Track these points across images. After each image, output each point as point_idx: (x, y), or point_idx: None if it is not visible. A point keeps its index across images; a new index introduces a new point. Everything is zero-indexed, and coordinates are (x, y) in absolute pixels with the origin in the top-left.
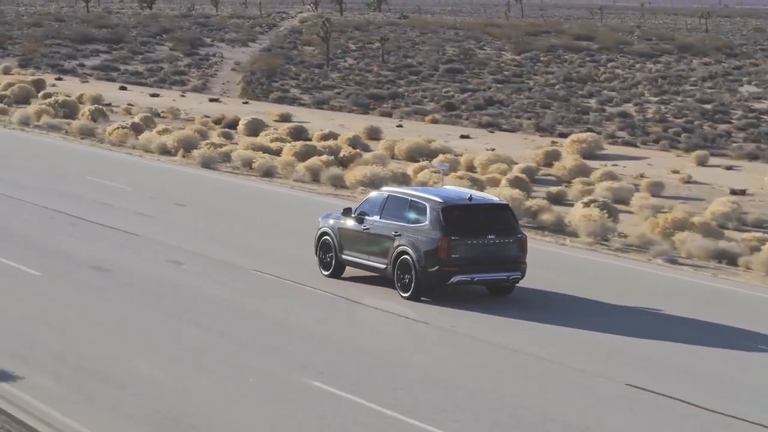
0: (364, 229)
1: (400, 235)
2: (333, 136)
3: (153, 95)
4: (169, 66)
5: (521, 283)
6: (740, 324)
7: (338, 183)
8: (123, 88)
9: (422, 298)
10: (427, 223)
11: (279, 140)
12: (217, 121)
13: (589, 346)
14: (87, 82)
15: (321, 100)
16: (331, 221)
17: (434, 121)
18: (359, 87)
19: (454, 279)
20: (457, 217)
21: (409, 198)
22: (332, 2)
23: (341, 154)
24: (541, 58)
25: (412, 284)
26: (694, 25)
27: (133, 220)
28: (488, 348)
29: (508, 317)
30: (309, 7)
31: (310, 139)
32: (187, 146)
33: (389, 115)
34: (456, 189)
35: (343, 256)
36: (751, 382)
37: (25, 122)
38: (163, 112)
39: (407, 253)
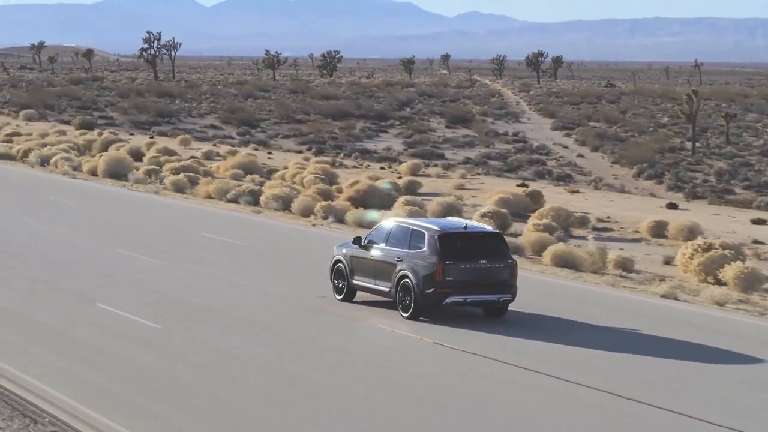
0: (371, 257)
1: (402, 260)
2: None
3: (757, 221)
4: (497, 151)
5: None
6: None
7: None
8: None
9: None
10: (425, 249)
11: None
12: None
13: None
14: (579, 191)
15: None
16: (344, 250)
17: None
18: None
19: (449, 300)
20: (453, 243)
21: (411, 227)
22: (529, 68)
23: None
24: None
25: (412, 305)
26: None
27: None
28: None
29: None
30: (494, 78)
31: None
32: None
33: None
34: (455, 219)
35: (354, 282)
36: None
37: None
38: None
39: (407, 277)
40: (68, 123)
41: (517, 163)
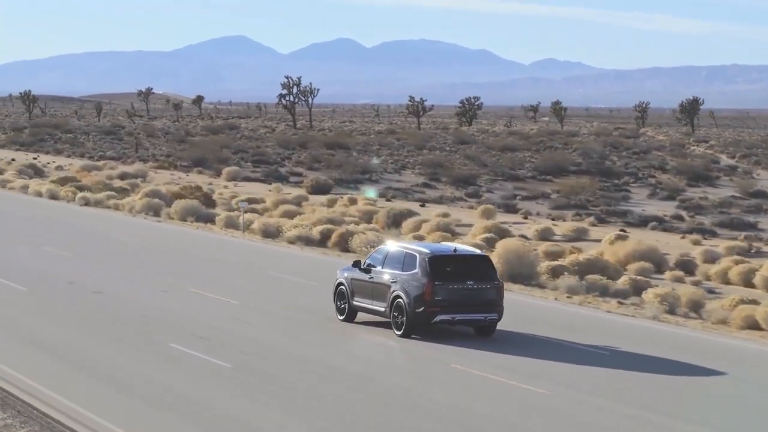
0: (369, 279)
1: (396, 281)
2: None
3: None
4: None
5: None
6: None
7: None
8: None
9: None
10: (417, 270)
11: None
12: None
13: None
14: None
15: None
16: (346, 273)
17: None
18: None
19: (438, 318)
20: (442, 265)
21: (405, 250)
22: (683, 116)
23: None
24: None
25: (404, 323)
26: None
27: None
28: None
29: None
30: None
31: None
32: None
33: None
34: (446, 244)
35: (354, 303)
36: None
37: None
38: None
39: (400, 297)
40: (279, 182)
41: None
